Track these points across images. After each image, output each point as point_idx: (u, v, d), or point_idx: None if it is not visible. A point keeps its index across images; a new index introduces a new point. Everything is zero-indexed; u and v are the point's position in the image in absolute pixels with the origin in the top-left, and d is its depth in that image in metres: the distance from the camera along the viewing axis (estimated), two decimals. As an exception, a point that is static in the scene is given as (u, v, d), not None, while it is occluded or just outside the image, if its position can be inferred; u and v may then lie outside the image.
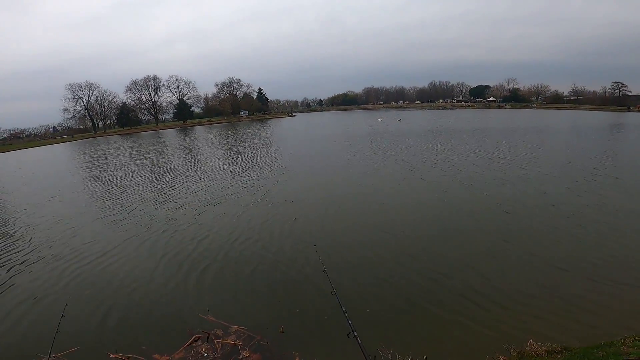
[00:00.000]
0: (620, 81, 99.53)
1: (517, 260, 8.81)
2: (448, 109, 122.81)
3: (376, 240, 10.67)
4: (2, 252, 11.64)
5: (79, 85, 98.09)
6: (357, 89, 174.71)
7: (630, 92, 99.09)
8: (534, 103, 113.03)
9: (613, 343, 4.43)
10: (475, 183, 16.61)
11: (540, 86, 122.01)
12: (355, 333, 2.68)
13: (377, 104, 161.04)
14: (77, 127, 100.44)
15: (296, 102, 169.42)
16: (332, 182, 18.65)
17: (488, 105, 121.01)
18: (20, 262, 10.64)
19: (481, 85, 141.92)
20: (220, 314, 7.09)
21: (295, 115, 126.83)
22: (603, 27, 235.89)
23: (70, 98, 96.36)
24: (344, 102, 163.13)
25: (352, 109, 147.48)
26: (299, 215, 13.35)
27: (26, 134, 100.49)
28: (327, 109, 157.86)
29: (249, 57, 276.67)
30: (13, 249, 11.89)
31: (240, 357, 5.72)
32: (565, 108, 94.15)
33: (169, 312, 7.41)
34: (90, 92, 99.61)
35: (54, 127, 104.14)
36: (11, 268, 10.26)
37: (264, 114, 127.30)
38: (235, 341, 6.18)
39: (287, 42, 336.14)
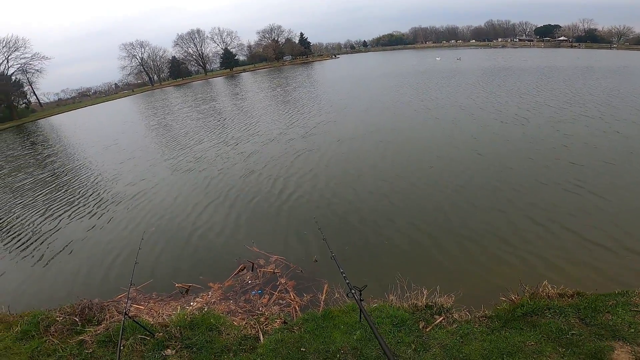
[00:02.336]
0: None
1: (536, 204, 8.71)
2: (508, 47, 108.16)
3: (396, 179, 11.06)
4: (81, 194, 13.91)
5: (131, 44, 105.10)
6: (404, 29, 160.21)
7: None
8: (614, 44, 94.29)
9: (627, 292, 4.37)
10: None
11: (623, 28, 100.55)
12: (353, 291, 3.14)
13: (426, 43, 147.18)
14: (136, 82, 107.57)
15: (339, 44, 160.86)
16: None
17: (558, 45, 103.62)
18: (81, 205, 12.74)
19: (549, 24, 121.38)
20: (263, 245, 8.19)
21: (338, 57, 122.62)
22: None
23: (126, 56, 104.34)
24: (389, 42, 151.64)
25: (399, 49, 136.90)
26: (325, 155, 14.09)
27: (92, 91, 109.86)
28: (372, 50, 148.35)
29: (287, 2, 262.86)
30: (83, 193, 14.13)
31: (278, 283, 6.73)
32: (654, 48, 77.03)
33: (221, 245, 8.66)
34: (142, 50, 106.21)
35: (116, 84, 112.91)
36: (72, 214, 12.36)
37: (307, 57, 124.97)
38: (274, 269, 7.22)
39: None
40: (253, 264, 7.46)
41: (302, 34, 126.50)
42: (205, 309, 5.37)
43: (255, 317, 5.16)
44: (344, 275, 3.60)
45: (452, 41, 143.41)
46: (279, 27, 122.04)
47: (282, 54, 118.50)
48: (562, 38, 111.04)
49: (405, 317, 4.65)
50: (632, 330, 3.57)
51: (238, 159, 15.43)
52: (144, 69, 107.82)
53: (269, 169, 13.59)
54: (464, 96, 24.47)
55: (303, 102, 29.19)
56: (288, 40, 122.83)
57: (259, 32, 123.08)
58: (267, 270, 7.18)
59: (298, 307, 5.78)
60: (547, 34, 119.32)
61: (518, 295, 4.96)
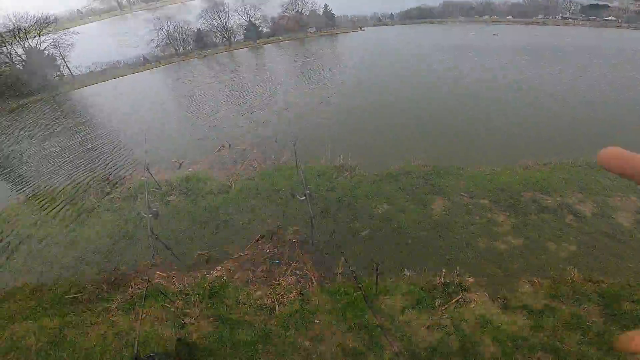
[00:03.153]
0: None
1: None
2: (550, 25, 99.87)
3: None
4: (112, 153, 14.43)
5: (157, 17, 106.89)
6: (433, 2, 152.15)
7: None
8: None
9: (656, 284, 4.20)
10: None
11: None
12: (360, 285, 3.08)
13: (458, 17, 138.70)
14: (162, 54, 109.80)
15: (365, 17, 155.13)
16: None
17: (605, 25, 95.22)
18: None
19: (597, 3, 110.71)
20: (280, 216, 8.28)
21: (364, 30, 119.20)
22: None
23: (153, 30, 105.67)
24: (418, 16, 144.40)
25: (428, 23, 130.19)
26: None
27: (121, 64, 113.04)
28: (400, 23, 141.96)
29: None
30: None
31: (295, 254, 6.84)
32: None
33: (240, 215, 8.83)
34: (168, 23, 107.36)
35: (143, 57, 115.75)
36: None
37: (332, 29, 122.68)
38: (293, 240, 7.33)
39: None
40: (272, 233, 7.58)
41: (326, 6, 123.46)
42: (225, 278, 5.55)
43: (272, 287, 5.28)
44: (354, 275, 3.59)
45: (486, 16, 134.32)
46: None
47: (306, 26, 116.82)
48: (610, 18, 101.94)
49: (420, 295, 4.60)
50: (657, 321, 3.38)
51: (251, 128, 15.81)
52: (170, 41, 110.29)
53: (283, 138, 13.70)
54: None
55: (324, 73, 28.77)
56: (312, 12, 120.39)
57: (282, 5, 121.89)
58: (285, 240, 7.30)
59: (314, 278, 5.85)
60: (593, 14, 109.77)
61: (541, 278, 4.81)
